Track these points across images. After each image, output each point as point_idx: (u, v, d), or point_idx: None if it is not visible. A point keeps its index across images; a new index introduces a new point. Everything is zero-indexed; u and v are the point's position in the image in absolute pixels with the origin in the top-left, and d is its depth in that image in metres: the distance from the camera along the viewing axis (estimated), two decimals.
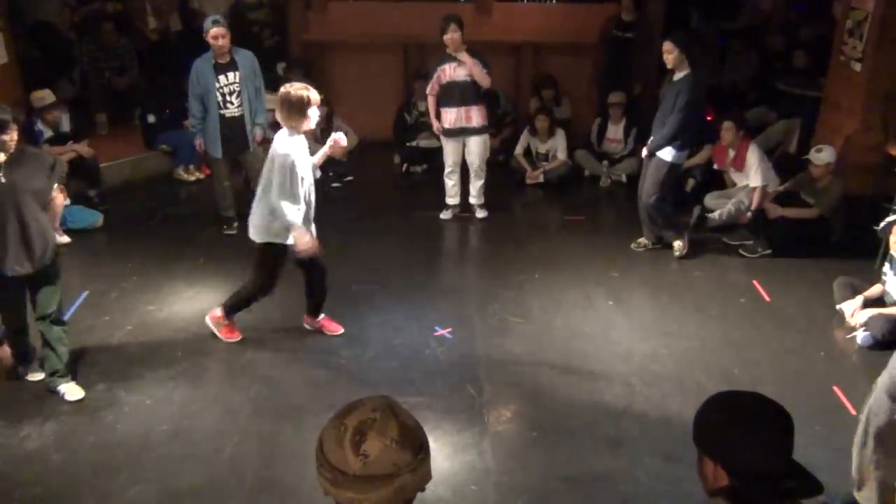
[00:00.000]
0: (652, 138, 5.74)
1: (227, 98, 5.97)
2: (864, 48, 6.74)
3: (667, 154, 5.62)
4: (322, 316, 4.94)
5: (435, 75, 6.34)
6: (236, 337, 4.83)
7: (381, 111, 8.35)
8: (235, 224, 6.39)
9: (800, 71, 8.15)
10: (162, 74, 7.95)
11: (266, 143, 6.96)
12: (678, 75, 5.54)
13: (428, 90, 6.44)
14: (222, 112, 5.99)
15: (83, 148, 6.78)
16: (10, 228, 3.82)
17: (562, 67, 8.48)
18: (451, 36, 6.15)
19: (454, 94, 6.31)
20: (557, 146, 7.55)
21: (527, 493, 3.63)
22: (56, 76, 7.74)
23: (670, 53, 5.46)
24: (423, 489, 1.54)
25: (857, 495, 3.50)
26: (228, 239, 6.31)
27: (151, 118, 7.62)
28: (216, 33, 5.79)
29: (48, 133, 6.64)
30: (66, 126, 6.85)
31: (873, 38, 6.65)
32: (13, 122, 3.78)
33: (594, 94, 8.37)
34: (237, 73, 5.95)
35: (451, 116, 6.37)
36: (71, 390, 4.22)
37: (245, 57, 6.03)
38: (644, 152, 5.91)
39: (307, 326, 4.99)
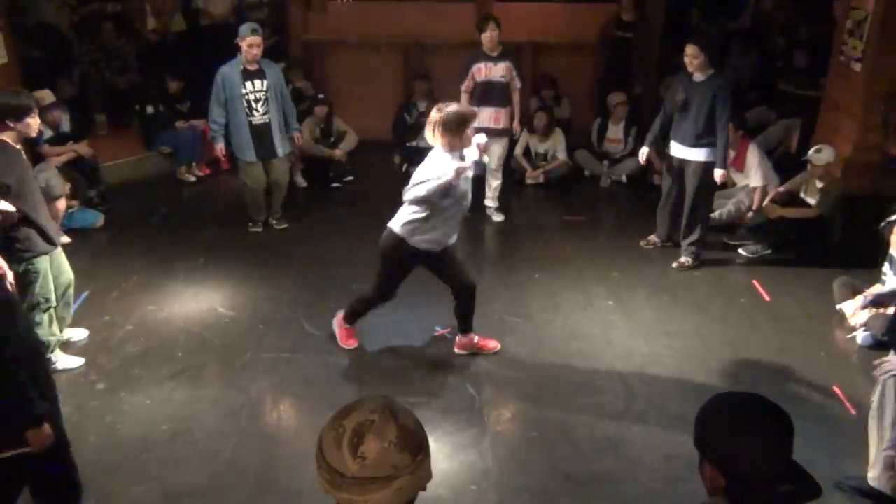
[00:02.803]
0: (684, 147, 5.58)
1: (254, 105, 5.97)
2: (864, 48, 6.75)
3: (703, 154, 5.55)
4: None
5: (469, 73, 6.31)
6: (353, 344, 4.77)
7: (381, 111, 8.35)
8: (262, 225, 6.48)
9: (800, 71, 8.15)
10: (162, 74, 7.93)
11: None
12: (701, 77, 5.44)
13: (463, 87, 6.36)
14: (249, 119, 5.99)
15: (83, 148, 6.78)
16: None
17: (562, 67, 8.48)
18: (490, 34, 6.18)
19: (490, 95, 6.30)
20: (556, 146, 7.55)
21: (527, 493, 3.63)
22: (56, 76, 7.74)
23: (696, 58, 5.36)
24: (423, 489, 1.54)
25: (869, 475, 3.53)
26: (229, 239, 6.31)
27: (150, 109, 7.61)
28: (252, 41, 5.80)
29: (48, 133, 6.63)
30: (66, 126, 6.85)
31: (873, 38, 6.65)
32: (35, 109, 4.06)
33: (594, 94, 8.37)
34: (264, 82, 5.95)
35: (482, 115, 6.22)
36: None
37: (272, 68, 6.05)
38: (644, 155, 5.86)
39: (459, 351, 4.72)
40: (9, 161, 3.97)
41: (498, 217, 6.78)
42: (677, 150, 5.71)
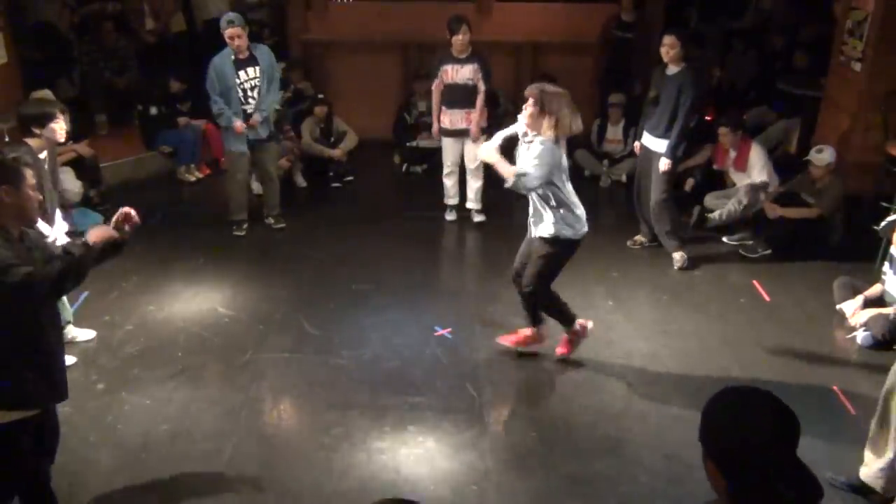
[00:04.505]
0: (652, 137, 5.69)
1: (249, 94, 5.94)
2: (864, 48, 6.74)
3: (663, 146, 5.59)
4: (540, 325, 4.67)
5: (438, 73, 6.30)
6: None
7: (381, 111, 8.35)
8: (245, 226, 6.39)
9: (800, 71, 8.15)
10: (163, 74, 7.93)
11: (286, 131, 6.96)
12: (673, 70, 5.51)
13: (434, 87, 6.37)
14: (244, 108, 5.95)
15: (83, 148, 6.78)
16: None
17: (562, 67, 8.47)
18: (462, 38, 6.13)
19: (456, 97, 6.29)
20: None
21: (527, 493, 3.63)
22: (56, 76, 7.73)
23: (673, 48, 5.42)
24: None
25: (863, 474, 3.53)
26: (228, 239, 6.30)
27: (154, 110, 7.61)
28: (231, 34, 5.77)
29: None
30: (66, 126, 6.83)
31: (873, 38, 6.65)
32: (60, 113, 4.27)
33: (594, 94, 8.37)
34: (257, 69, 5.91)
35: (451, 118, 6.34)
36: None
37: (263, 52, 6.01)
38: (637, 148, 5.94)
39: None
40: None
41: (479, 218, 6.69)
42: (646, 139, 5.78)
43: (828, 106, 7.36)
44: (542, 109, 4.09)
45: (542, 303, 4.52)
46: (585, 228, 4.33)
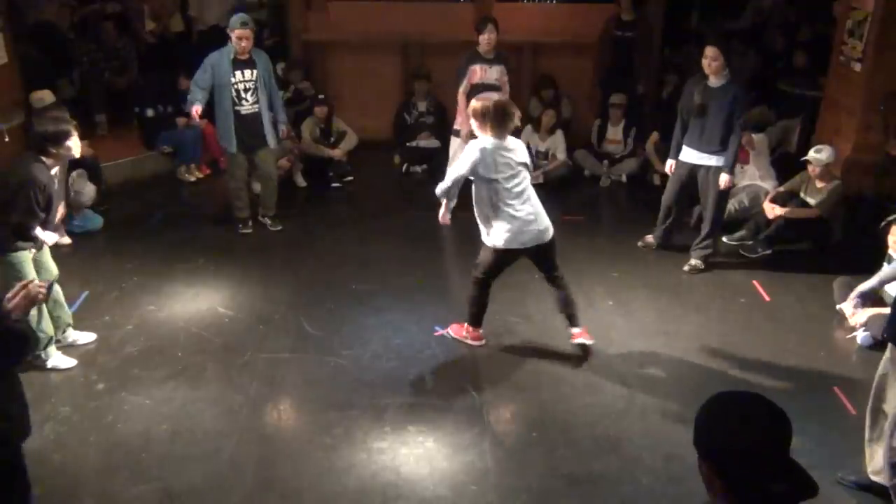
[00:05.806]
0: (704, 154, 5.51)
1: (243, 95, 5.95)
2: (864, 48, 6.75)
3: (719, 161, 5.50)
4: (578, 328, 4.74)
5: (466, 75, 6.26)
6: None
7: (381, 111, 8.36)
8: (251, 223, 6.40)
9: (800, 71, 8.15)
10: (161, 72, 7.93)
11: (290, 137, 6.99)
12: (717, 82, 5.37)
13: (461, 89, 6.30)
14: (237, 108, 5.96)
15: (83, 148, 6.76)
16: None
17: (562, 67, 8.48)
18: (489, 37, 6.15)
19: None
20: (556, 146, 7.56)
21: (527, 493, 3.63)
22: (56, 76, 7.73)
23: (716, 60, 5.28)
24: None
25: (871, 471, 3.53)
26: (229, 239, 6.30)
27: (150, 112, 7.61)
28: (241, 34, 5.80)
29: None
30: None
31: (873, 38, 6.65)
32: (74, 130, 4.26)
33: (595, 95, 8.37)
34: (254, 72, 5.94)
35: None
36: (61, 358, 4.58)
37: (263, 57, 6.06)
38: (671, 167, 5.83)
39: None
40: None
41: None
42: (693, 156, 5.61)
43: (828, 106, 7.36)
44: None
45: (472, 292, 4.69)
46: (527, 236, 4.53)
